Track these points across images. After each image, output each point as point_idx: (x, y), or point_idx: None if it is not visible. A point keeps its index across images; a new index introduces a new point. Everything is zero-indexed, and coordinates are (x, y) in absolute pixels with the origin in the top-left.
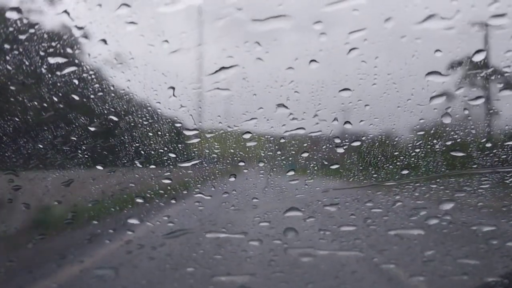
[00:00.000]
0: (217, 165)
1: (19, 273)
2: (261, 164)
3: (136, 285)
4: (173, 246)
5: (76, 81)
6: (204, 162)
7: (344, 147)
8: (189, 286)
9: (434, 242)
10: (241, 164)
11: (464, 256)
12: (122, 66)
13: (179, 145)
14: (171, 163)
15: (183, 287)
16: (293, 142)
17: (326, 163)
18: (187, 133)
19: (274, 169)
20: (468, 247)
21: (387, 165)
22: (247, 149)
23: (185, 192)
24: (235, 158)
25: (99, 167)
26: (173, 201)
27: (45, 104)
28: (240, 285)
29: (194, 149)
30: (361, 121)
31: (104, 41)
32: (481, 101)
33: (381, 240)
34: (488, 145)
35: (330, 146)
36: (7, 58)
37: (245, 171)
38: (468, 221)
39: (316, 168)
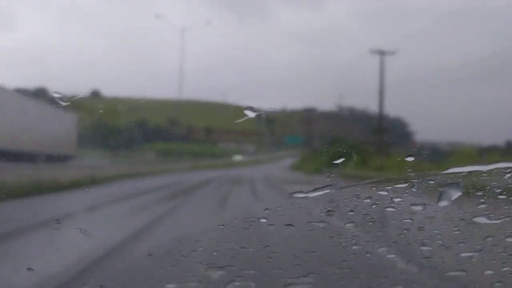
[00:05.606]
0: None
1: None
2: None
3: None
4: (173, 243)
5: None
6: None
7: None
8: (185, 280)
9: (433, 237)
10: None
11: (463, 252)
12: None
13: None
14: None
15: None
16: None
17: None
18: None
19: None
20: (467, 243)
21: (386, 160)
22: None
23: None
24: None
25: None
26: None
27: None
28: (233, 279)
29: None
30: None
31: None
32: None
33: (380, 237)
34: (487, 142)
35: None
36: None
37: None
38: (466, 217)
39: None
